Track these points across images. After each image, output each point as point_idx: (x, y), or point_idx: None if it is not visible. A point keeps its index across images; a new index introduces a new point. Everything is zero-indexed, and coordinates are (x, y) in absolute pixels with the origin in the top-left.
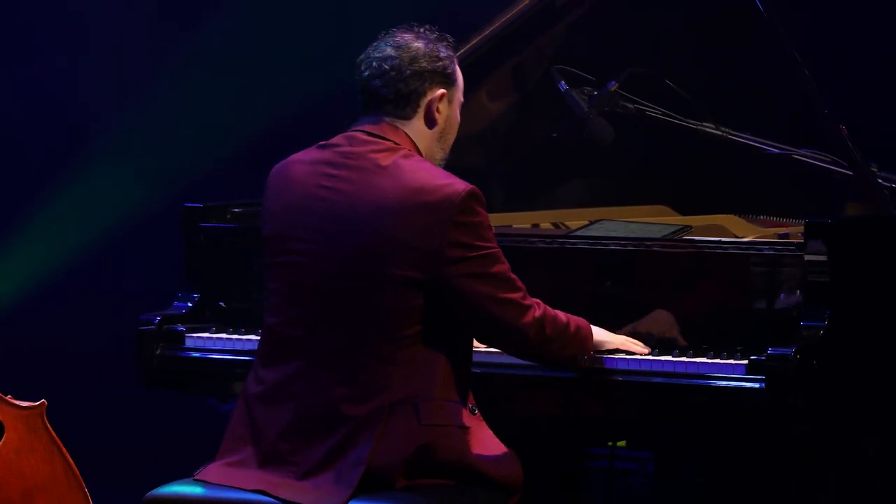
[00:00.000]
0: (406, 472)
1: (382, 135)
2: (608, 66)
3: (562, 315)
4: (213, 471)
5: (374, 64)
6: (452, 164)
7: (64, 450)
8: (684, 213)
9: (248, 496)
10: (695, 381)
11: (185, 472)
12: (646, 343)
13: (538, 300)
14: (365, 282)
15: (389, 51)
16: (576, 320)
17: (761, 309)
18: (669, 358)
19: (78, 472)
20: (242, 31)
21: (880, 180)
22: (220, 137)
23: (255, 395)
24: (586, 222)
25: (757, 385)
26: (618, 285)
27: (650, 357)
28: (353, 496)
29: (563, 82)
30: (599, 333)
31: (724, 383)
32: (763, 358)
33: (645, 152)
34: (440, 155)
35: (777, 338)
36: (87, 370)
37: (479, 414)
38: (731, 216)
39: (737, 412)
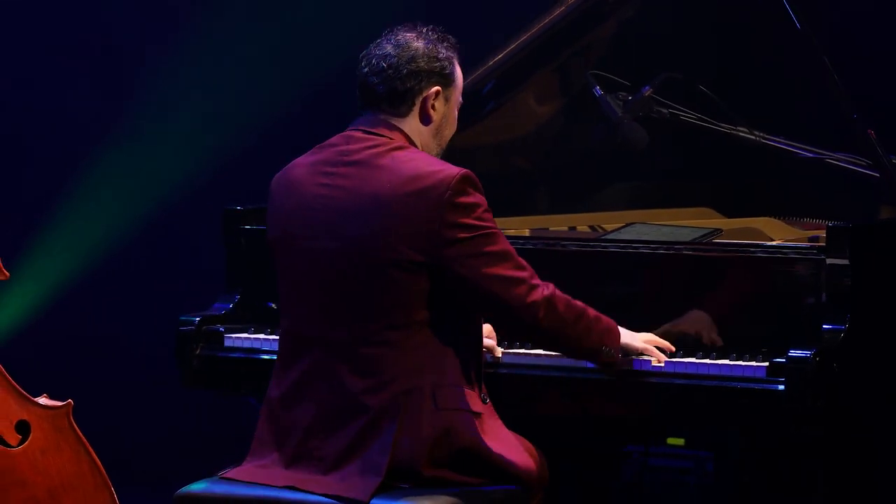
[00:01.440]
0: (430, 460)
1: (378, 132)
2: (648, 69)
3: (578, 302)
4: (239, 472)
5: (374, 61)
6: (499, 167)
7: (90, 449)
8: (728, 216)
9: (279, 493)
10: (717, 382)
11: (212, 473)
12: (676, 343)
13: (549, 283)
14: (370, 271)
15: (389, 48)
16: (596, 311)
17: (784, 312)
18: (693, 360)
19: (104, 471)
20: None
21: None
22: (258, 138)
23: (276, 397)
24: (621, 225)
25: (778, 387)
26: (647, 288)
27: (674, 360)
28: (380, 486)
29: (598, 87)
30: (625, 333)
31: (745, 385)
32: (783, 360)
33: (690, 155)
34: (436, 150)
35: (799, 340)
36: (121, 370)
37: (490, 403)
38: (771, 219)
39: (759, 414)
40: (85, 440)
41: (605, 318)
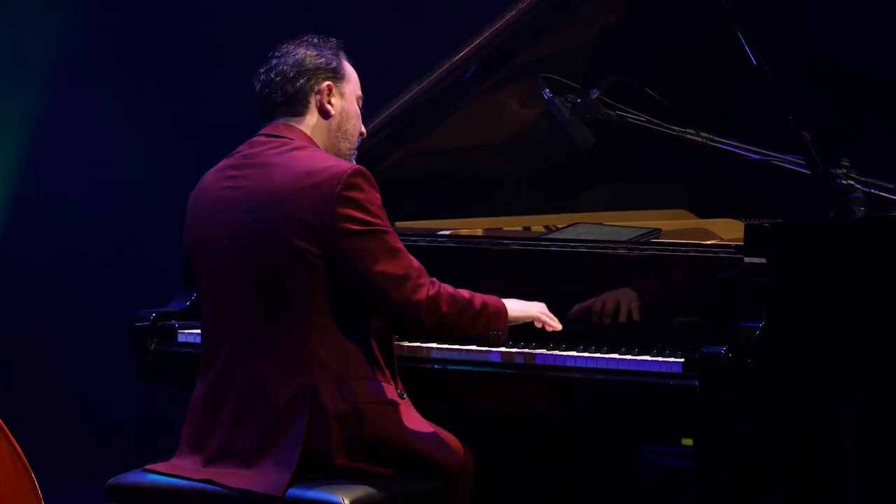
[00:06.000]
0: (343, 451)
1: (277, 133)
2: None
3: (465, 293)
4: (164, 466)
5: (263, 77)
6: (481, 170)
7: (11, 437)
8: (702, 217)
9: (202, 486)
10: (636, 378)
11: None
12: (603, 339)
13: (434, 279)
14: (272, 266)
15: (274, 61)
16: (483, 297)
17: (706, 309)
18: (614, 355)
19: (24, 458)
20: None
21: (857, 184)
22: (219, 137)
23: (198, 396)
24: (565, 225)
25: (694, 382)
26: (582, 285)
27: (596, 355)
28: (294, 477)
29: (547, 90)
30: (514, 308)
31: (663, 381)
32: (697, 356)
33: (666, 158)
34: (346, 146)
35: (718, 337)
36: (76, 362)
37: (407, 399)
38: (731, 220)
39: (676, 409)
40: (5, 427)
41: (493, 302)
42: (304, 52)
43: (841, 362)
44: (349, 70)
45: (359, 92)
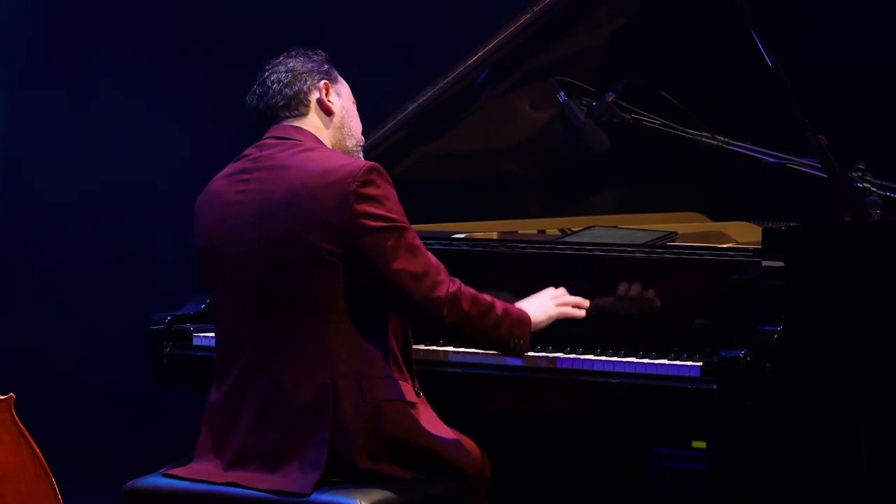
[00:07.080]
0: (364, 452)
1: (286, 136)
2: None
3: (486, 296)
4: (184, 471)
5: (258, 90)
6: (496, 173)
7: (32, 441)
8: (715, 220)
9: (225, 489)
10: (654, 382)
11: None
12: (619, 343)
13: (455, 279)
14: (291, 267)
15: (266, 75)
16: (504, 304)
17: (724, 313)
18: (632, 359)
19: (45, 463)
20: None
21: (873, 188)
22: (237, 139)
23: (214, 402)
24: (581, 228)
25: (711, 386)
26: (598, 288)
27: (613, 359)
28: (321, 479)
29: (562, 93)
30: (536, 314)
31: (681, 385)
32: (715, 360)
33: (680, 161)
34: (352, 143)
35: (736, 341)
36: (88, 366)
37: (423, 398)
38: (745, 223)
39: (693, 412)
40: (26, 433)
41: (515, 309)
42: (294, 61)
43: (858, 365)
44: (339, 76)
45: (352, 97)
